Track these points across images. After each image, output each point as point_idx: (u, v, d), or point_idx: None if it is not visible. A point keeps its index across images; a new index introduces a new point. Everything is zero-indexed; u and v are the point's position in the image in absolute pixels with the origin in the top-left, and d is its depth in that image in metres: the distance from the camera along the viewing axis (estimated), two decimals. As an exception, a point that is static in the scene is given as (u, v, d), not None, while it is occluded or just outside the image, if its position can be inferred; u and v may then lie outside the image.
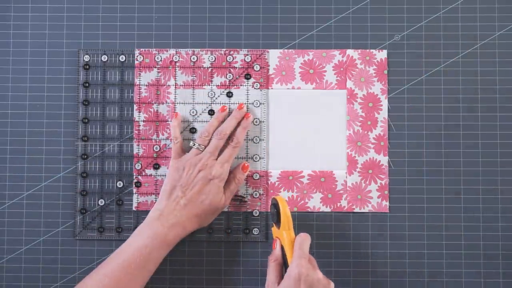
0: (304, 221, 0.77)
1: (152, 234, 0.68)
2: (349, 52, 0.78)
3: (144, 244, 0.68)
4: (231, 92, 0.78)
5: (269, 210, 0.77)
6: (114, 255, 0.68)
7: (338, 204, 0.77)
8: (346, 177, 0.77)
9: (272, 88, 0.78)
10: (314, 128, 0.77)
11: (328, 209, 0.77)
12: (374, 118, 0.77)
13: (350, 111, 0.77)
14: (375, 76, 0.77)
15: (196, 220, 0.71)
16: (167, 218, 0.70)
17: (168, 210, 0.70)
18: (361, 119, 0.77)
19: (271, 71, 0.78)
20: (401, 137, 0.77)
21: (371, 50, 0.78)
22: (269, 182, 0.77)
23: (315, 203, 0.77)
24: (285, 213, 0.69)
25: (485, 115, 0.77)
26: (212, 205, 0.71)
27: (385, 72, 0.77)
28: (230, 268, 0.77)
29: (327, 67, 0.78)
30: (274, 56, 0.78)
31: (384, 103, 0.77)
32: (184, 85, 0.77)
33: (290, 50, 0.78)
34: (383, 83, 0.77)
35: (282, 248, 0.69)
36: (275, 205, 0.71)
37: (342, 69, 0.78)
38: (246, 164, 0.75)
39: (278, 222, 0.70)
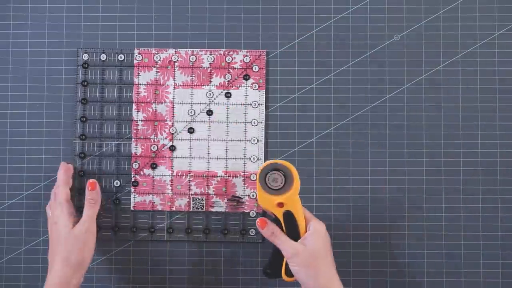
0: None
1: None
2: None
3: None
4: (230, 93, 0.77)
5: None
6: None
7: None
8: None
9: None
10: None
11: None
12: None
13: None
14: None
15: (67, 263, 0.68)
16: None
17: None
18: None
19: None
20: (401, 137, 0.77)
21: None
22: None
23: None
24: (297, 178, 0.67)
25: (485, 115, 0.77)
26: (60, 231, 0.69)
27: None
28: (229, 268, 0.76)
29: None
30: None
31: None
32: (183, 85, 0.78)
33: None
34: None
35: (288, 213, 0.67)
36: (281, 170, 0.67)
37: None
38: (91, 181, 0.73)
39: (283, 188, 0.67)
